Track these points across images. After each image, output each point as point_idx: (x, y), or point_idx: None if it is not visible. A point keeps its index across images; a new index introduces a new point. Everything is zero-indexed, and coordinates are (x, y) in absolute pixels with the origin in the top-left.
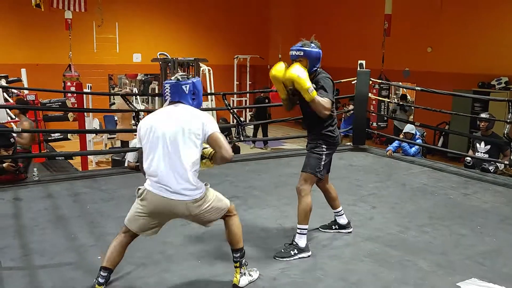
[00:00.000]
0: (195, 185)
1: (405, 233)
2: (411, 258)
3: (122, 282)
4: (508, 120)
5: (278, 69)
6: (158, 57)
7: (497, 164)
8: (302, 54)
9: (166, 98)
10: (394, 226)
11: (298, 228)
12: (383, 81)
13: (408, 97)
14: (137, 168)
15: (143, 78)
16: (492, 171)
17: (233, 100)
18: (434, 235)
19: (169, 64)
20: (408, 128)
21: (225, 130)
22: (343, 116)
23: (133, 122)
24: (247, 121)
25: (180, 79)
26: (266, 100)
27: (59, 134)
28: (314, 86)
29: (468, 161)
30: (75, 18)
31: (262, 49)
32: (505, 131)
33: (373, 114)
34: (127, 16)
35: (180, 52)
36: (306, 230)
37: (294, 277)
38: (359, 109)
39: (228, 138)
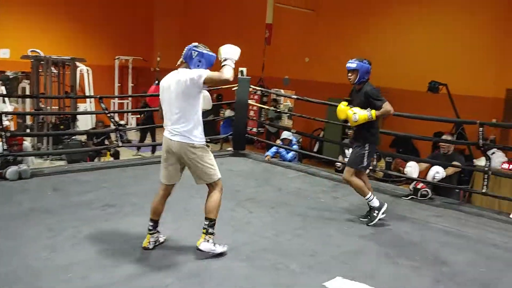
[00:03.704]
0: (193, 131)
1: (280, 236)
2: (284, 261)
3: None
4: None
5: (342, 109)
6: (29, 54)
7: None
8: (355, 66)
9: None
10: (270, 230)
11: (366, 199)
12: (263, 89)
13: (282, 102)
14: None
15: (11, 76)
16: None
17: (113, 103)
18: (306, 237)
19: (42, 62)
20: (286, 134)
21: (103, 134)
22: (222, 121)
23: None
24: (131, 125)
25: (197, 46)
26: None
27: None
28: (363, 99)
29: (338, 166)
30: None
31: (146, 51)
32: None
33: (253, 120)
34: None
35: (56, 50)
36: (372, 196)
37: (172, 283)
38: (239, 115)
39: (107, 142)
